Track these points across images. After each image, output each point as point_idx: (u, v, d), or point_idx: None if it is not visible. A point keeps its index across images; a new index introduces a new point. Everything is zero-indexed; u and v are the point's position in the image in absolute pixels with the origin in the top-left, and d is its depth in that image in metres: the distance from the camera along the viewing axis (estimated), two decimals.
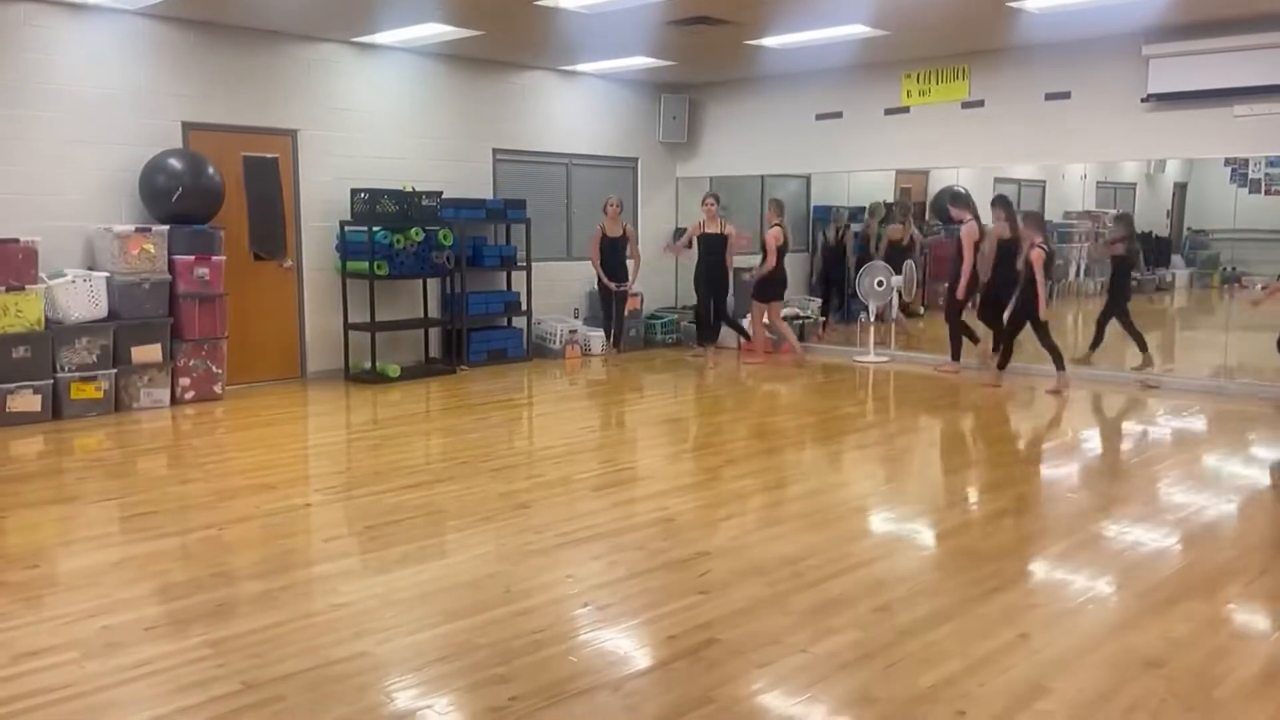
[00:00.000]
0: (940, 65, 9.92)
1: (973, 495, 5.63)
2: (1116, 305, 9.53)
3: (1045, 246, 8.38)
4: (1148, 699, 3.06)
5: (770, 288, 10.18)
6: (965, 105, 9.83)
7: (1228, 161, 10.56)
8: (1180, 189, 13.19)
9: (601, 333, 10.75)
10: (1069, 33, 8.71)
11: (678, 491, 5.53)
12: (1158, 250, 13.21)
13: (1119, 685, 3.15)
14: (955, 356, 9.54)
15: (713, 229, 10.02)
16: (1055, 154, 9.67)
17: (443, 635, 3.56)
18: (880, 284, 10.29)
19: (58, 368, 7.25)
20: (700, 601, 3.87)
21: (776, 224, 10.07)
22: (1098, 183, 11.95)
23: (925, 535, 4.81)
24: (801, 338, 11.31)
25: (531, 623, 3.67)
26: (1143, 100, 8.63)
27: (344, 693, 3.11)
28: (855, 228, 12.19)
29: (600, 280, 10.27)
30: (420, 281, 9.66)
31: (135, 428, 7.14)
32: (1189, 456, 6.47)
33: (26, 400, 7.09)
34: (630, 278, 10.30)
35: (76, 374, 7.31)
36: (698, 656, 3.37)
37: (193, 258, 7.81)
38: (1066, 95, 9.15)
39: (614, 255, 10.19)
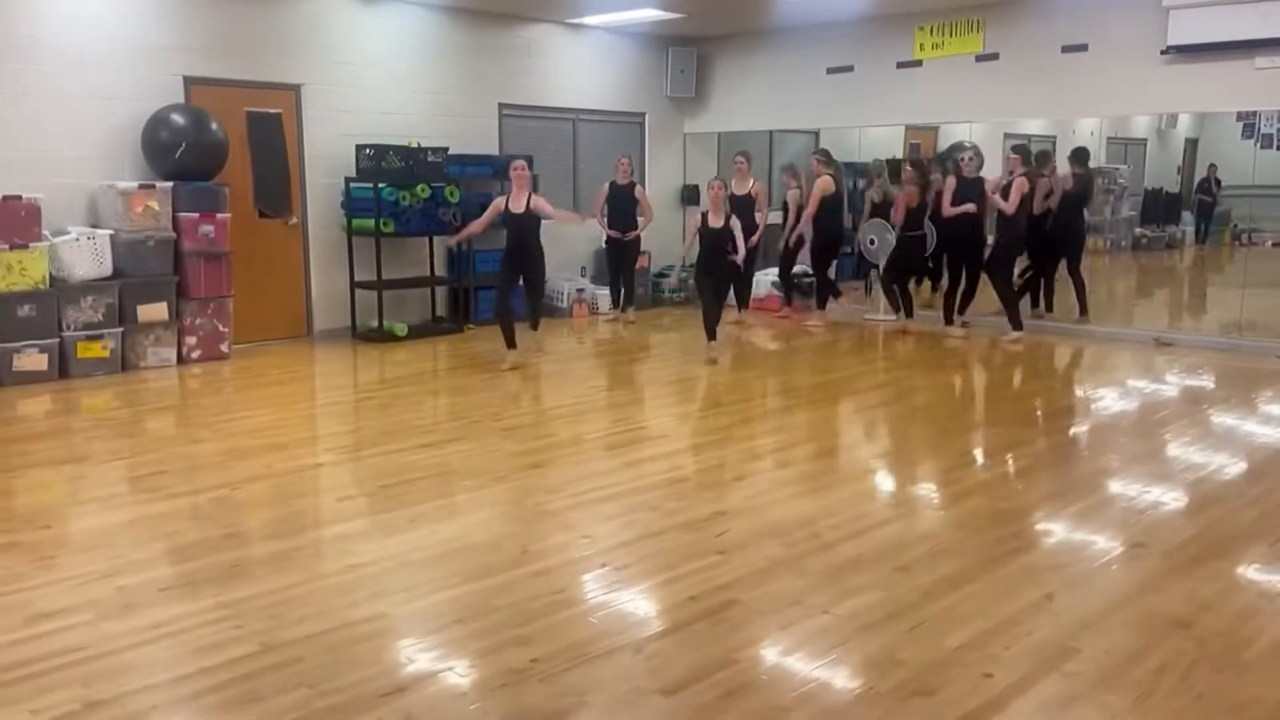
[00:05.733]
0: (955, 18, 9.73)
1: (988, 454, 5.58)
2: (1070, 249, 9.44)
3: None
4: (1177, 660, 3.03)
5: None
6: (979, 59, 9.66)
7: (1240, 116, 10.40)
8: (1191, 145, 13.01)
9: (609, 292, 10.54)
10: None
11: (690, 451, 5.49)
12: (1168, 207, 13.07)
13: (1147, 646, 3.12)
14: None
15: (741, 191, 9.71)
16: (1071, 108, 9.52)
17: (460, 596, 3.53)
18: (872, 242, 10.14)
19: (63, 326, 7.18)
20: (719, 562, 3.84)
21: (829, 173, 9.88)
22: (1108, 138, 11.79)
23: (942, 495, 4.76)
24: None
25: (549, 584, 3.64)
26: (1162, 52, 8.46)
27: (363, 654, 3.08)
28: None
29: (606, 233, 10.04)
30: (427, 239, 9.56)
31: (143, 387, 7.10)
32: (1205, 415, 6.42)
33: (33, 359, 7.04)
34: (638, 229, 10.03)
35: (82, 333, 7.25)
36: (719, 618, 3.34)
37: (197, 215, 7.71)
38: (1084, 48, 8.97)
39: (622, 205, 9.93)
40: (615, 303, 10.37)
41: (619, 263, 10.17)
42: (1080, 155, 9.51)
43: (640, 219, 10.03)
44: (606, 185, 9.99)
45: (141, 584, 3.62)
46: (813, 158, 10.23)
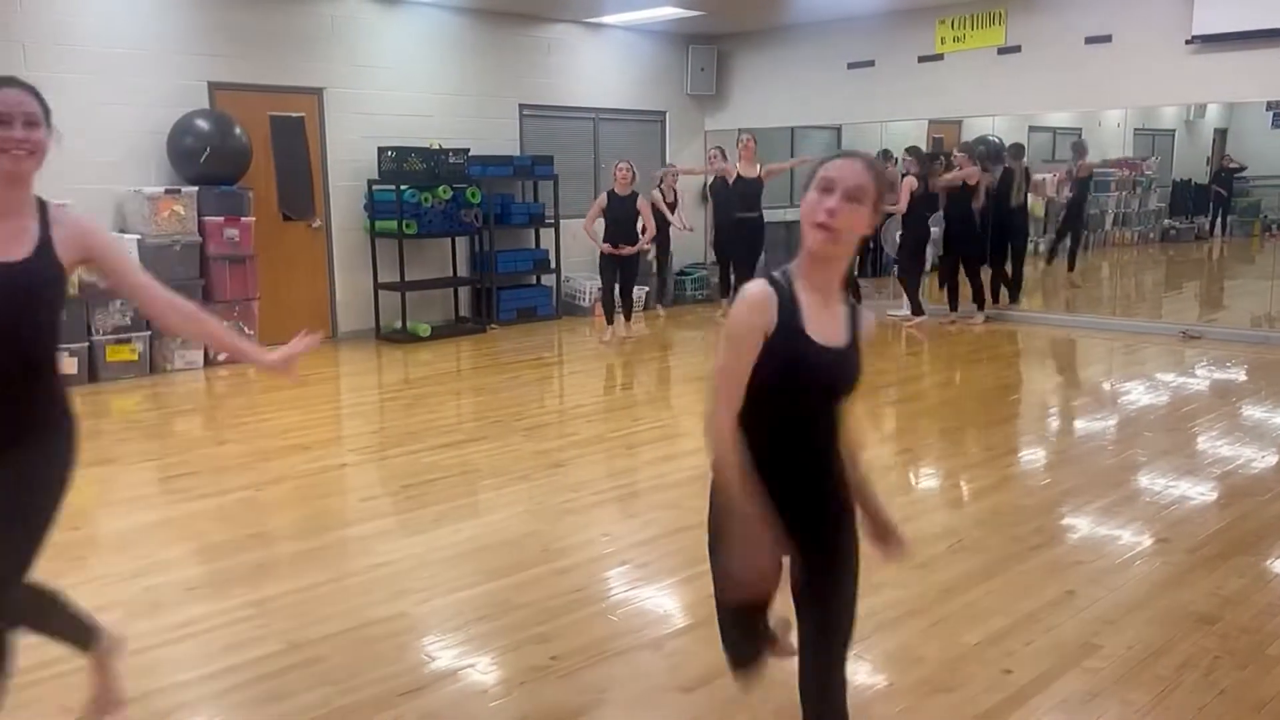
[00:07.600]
0: (976, 10, 9.67)
1: (1011, 448, 5.54)
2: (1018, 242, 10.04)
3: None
4: (1200, 656, 3.00)
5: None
6: (1001, 51, 9.59)
7: (1269, 106, 10.27)
8: (1220, 135, 12.85)
9: (603, 309, 9.12)
10: None
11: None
12: (1196, 198, 12.92)
13: (1170, 642, 3.09)
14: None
15: (749, 173, 9.36)
16: (1095, 100, 9.45)
17: (482, 595, 3.55)
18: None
19: (93, 330, 7.29)
20: None
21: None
22: (1135, 130, 11.66)
23: (963, 490, 4.74)
24: None
25: (570, 582, 3.66)
26: (1187, 42, 8.37)
27: (385, 652, 3.12)
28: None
29: (600, 248, 8.71)
30: (449, 240, 9.62)
31: (170, 389, 7.19)
32: (1232, 409, 6.34)
33: (63, 363, 7.13)
34: (640, 242, 8.72)
35: (111, 336, 7.35)
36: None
37: (222, 219, 7.80)
38: (1107, 39, 8.89)
39: (621, 217, 8.58)
40: (610, 319, 8.87)
41: (615, 277, 8.74)
42: (1015, 150, 10.03)
43: (642, 235, 8.70)
44: (604, 195, 8.68)
45: (169, 584, 3.68)
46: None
